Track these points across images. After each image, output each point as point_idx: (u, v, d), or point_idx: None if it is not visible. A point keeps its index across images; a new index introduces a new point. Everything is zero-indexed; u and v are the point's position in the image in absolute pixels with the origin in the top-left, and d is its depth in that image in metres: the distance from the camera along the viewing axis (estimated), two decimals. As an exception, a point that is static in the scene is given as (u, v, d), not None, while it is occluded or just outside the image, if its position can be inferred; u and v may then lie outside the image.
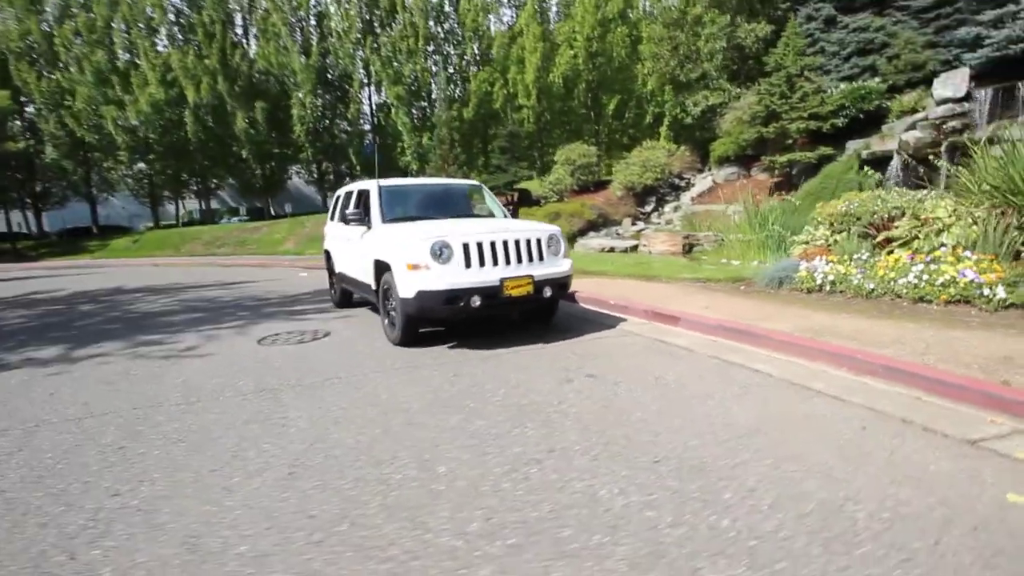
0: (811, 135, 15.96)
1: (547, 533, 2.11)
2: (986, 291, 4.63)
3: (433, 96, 21.76)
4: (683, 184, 21.49)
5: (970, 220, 5.59)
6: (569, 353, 4.80)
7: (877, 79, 16.76)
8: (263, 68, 25.79)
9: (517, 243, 5.11)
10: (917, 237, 5.83)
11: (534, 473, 2.62)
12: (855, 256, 6.05)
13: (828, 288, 5.87)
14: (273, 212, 28.70)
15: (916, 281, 5.13)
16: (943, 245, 5.54)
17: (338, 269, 7.39)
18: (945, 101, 13.81)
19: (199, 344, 5.85)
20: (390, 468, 2.72)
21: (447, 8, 25.32)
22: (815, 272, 6.01)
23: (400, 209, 6.09)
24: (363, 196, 6.52)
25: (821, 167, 15.83)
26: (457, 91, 22.51)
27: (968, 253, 5.17)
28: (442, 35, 25.24)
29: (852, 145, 15.44)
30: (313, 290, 10.24)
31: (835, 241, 6.77)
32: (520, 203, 21.88)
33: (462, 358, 4.75)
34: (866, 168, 14.31)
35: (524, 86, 24.24)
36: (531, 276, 5.04)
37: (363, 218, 5.96)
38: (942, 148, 12.37)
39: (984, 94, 12.73)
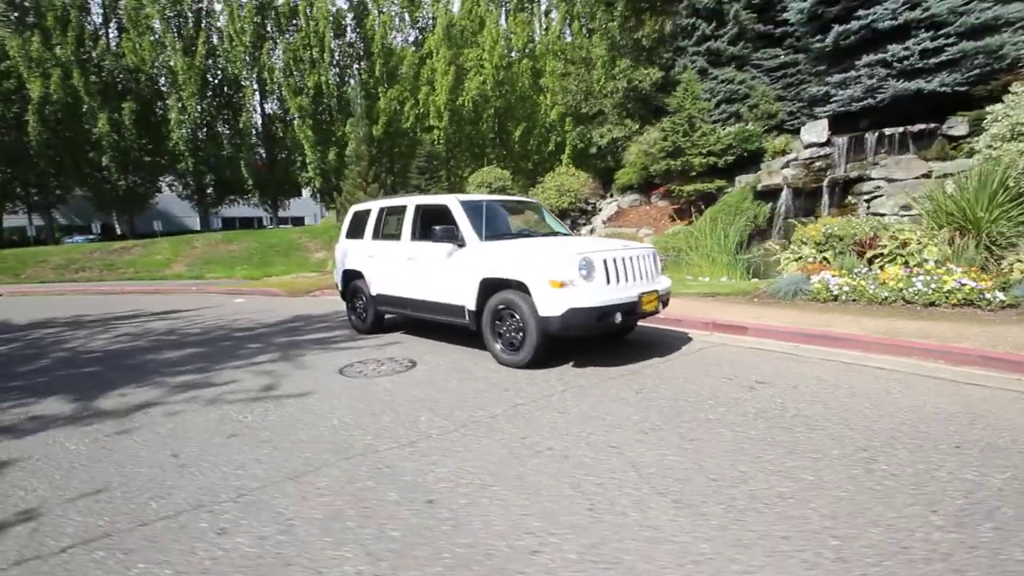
0: (708, 169, 18.20)
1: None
2: (987, 295, 5.82)
3: (352, 109, 20.55)
4: (590, 208, 22.98)
5: (937, 241, 6.97)
6: (693, 363, 4.97)
7: (742, 124, 19.68)
8: (133, 65, 22.03)
9: (642, 259, 5.20)
10: (900, 254, 7.09)
11: (880, 467, 2.76)
12: (855, 270, 7.15)
13: (844, 298, 6.83)
14: (132, 231, 24.39)
15: (925, 289, 6.24)
16: (926, 260, 6.82)
17: (378, 291, 6.71)
18: (811, 145, 16.68)
19: (275, 383, 4.92)
20: (766, 481, 2.64)
21: (349, 20, 24.22)
22: (829, 284, 6.96)
23: (484, 226, 5.78)
24: (433, 212, 6.08)
25: (716, 197, 18.14)
26: (363, 108, 21.55)
27: (953, 267, 6.44)
28: (348, 48, 24.02)
29: (742, 178, 17.93)
30: (292, 316, 9.09)
31: (824, 259, 7.91)
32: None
33: (606, 376, 4.65)
34: (757, 200, 16.73)
35: (436, 108, 24.03)
36: (657, 291, 5.17)
37: (453, 235, 5.55)
38: (824, 184, 14.98)
39: (841, 141, 15.63)
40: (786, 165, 17.07)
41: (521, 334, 4.97)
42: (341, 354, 6.01)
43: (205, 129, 23.65)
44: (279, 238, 21.19)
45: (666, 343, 5.88)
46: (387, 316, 7.22)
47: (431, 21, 26.45)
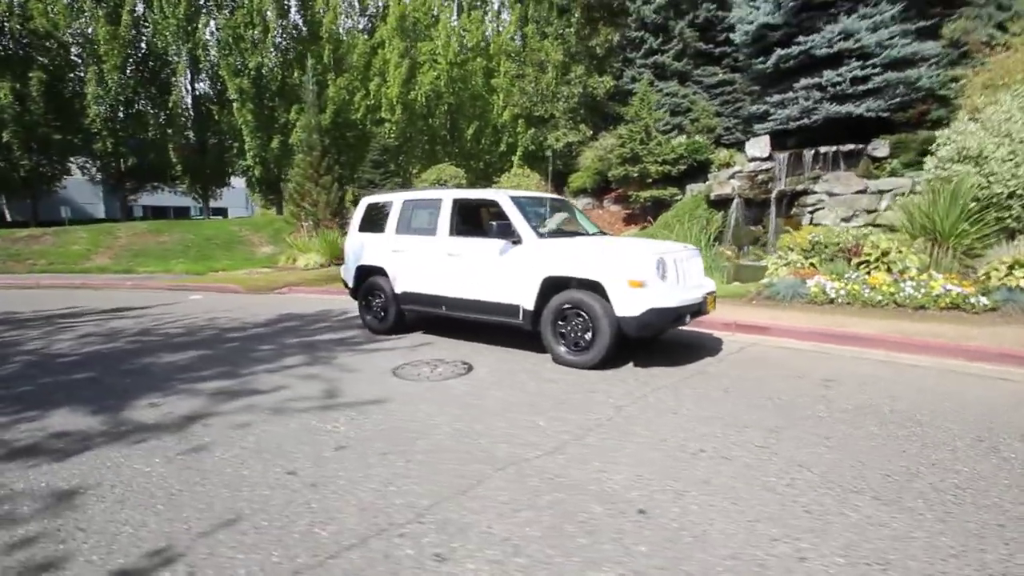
0: (663, 177, 18.97)
1: None
2: (972, 300, 6.49)
3: (302, 95, 19.17)
4: (540, 209, 23.17)
5: (915, 250, 7.70)
6: (748, 363, 5.09)
7: (685, 135, 20.70)
8: (44, 30, 19.08)
9: (695, 260, 5.27)
10: (884, 262, 7.75)
11: (1008, 454, 2.96)
12: (845, 275, 7.71)
13: (839, 300, 7.35)
14: (36, 218, 21.19)
15: (915, 293, 6.85)
16: (908, 267, 7.50)
17: (405, 288, 6.28)
18: (755, 159, 17.87)
19: (333, 389, 4.45)
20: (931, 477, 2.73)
21: (293, 1, 22.69)
22: (826, 288, 7.46)
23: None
24: (475, 208, 5.80)
25: (670, 204, 18.96)
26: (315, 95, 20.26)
27: (936, 273, 7.13)
28: (293, 31, 22.46)
29: (693, 187, 18.84)
30: (279, 315, 8.34)
31: (811, 264, 8.47)
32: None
33: (677, 376, 4.64)
34: (710, 208, 17.68)
35: (388, 100, 23.09)
36: (713, 292, 5.26)
37: (509, 231, 5.32)
38: (772, 196, 16.09)
39: (782, 156, 16.88)
40: (732, 177, 18.14)
41: (589, 334, 4.86)
42: (378, 356, 5.57)
43: (126, 107, 21.08)
44: (216, 230, 19.41)
45: (701, 343, 5.99)
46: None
47: (382, 8, 25.42)
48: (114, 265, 15.91)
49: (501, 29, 25.93)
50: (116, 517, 2.50)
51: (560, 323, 5.04)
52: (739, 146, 20.26)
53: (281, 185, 22.60)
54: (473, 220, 6.22)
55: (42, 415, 3.92)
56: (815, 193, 15.17)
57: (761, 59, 17.94)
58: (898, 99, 15.35)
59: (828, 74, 16.06)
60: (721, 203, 17.35)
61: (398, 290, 6.40)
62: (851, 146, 15.73)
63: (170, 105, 21.26)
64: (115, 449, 3.29)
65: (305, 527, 2.38)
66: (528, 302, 5.21)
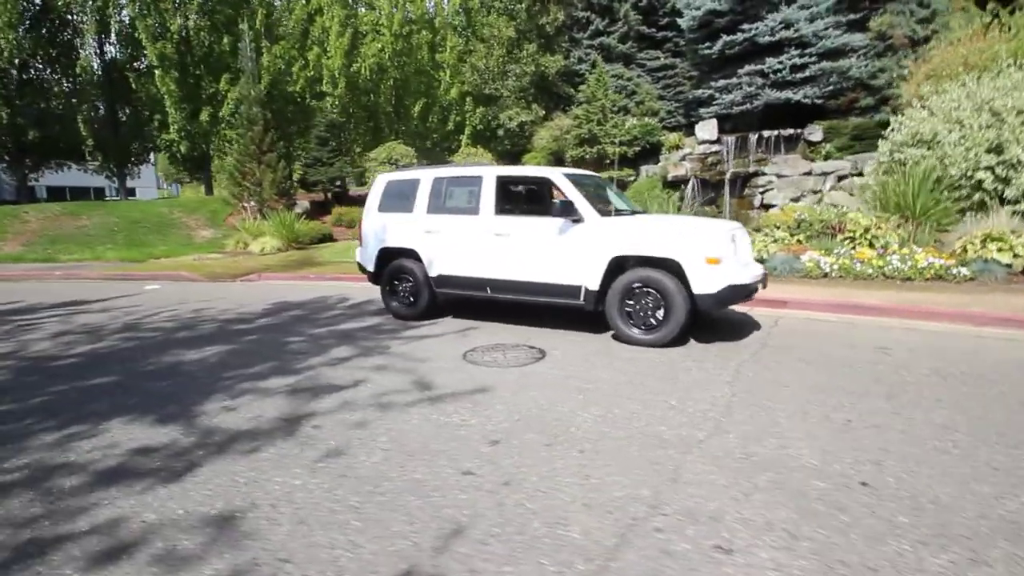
0: (620, 158, 19.32)
1: None
2: (953, 271, 7.20)
3: (241, 65, 17.34)
4: (495, 189, 22.90)
5: (891, 226, 8.40)
6: (795, 334, 5.31)
7: (631, 117, 21.18)
8: None
9: (748, 238, 5.39)
10: (867, 237, 8.39)
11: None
12: (835, 251, 8.27)
13: (833, 274, 7.88)
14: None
15: (901, 266, 7.49)
16: (890, 243, 8.17)
17: (442, 271, 5.93)
18: (704, 142, 18.64)
19: (421, 380, 4.12)
20: None
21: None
22: (820, 263, 7.97)
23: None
24: (520, 184, 5.55)
25: (626, 185, 19.39)
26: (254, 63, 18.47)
27: (917, 248, 7.82)
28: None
29: (647, 168, 19.35)
30: (273, 304, 7.63)
31: (798, 241, 9.00)
32: (337, 201, 19.67)
33: (743, 350, 4.73)
34: (667, 188, 18.29)
35: (330, 72, 21.53)
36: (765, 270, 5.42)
37: (571, 210, 5.14)
38: (727, 177, 16.89)
39: (729, 140, 17.74)
40: (684, 159, 18.82)
41: (661, 312, 4.86)
42: (431, 343, 5.25)
43: (20, 71, 17.99)
44: (143, 213, 17.36)
45: (732, 318, 6.13)
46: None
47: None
48: (29, 253, 13.79)
49: (446, 2, 24.94)
50: (314, 541, 2.16)
51: (628, 302, 4.99)
52: (680, 129, 20.96)
53: (213, 162, 20.58)
54: (516, 198, 5.97)
55: (95, 429, 3.32)
56: (765, 175, 16.11)
57: (707, 44, 18.52)
58: (831, 87, 16.48)
59: (770, 61, 16.90)
60: (675, 184, 17.97)
61: (433, 273, 6.04)
62: (790, 131, 16.77)
63: (76, 71, 18.50)
64: (231, 462, 2.84)
65: (559, 531, 2.17)
66: (592, 282, 5.11)
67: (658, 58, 22.37)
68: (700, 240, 4.73)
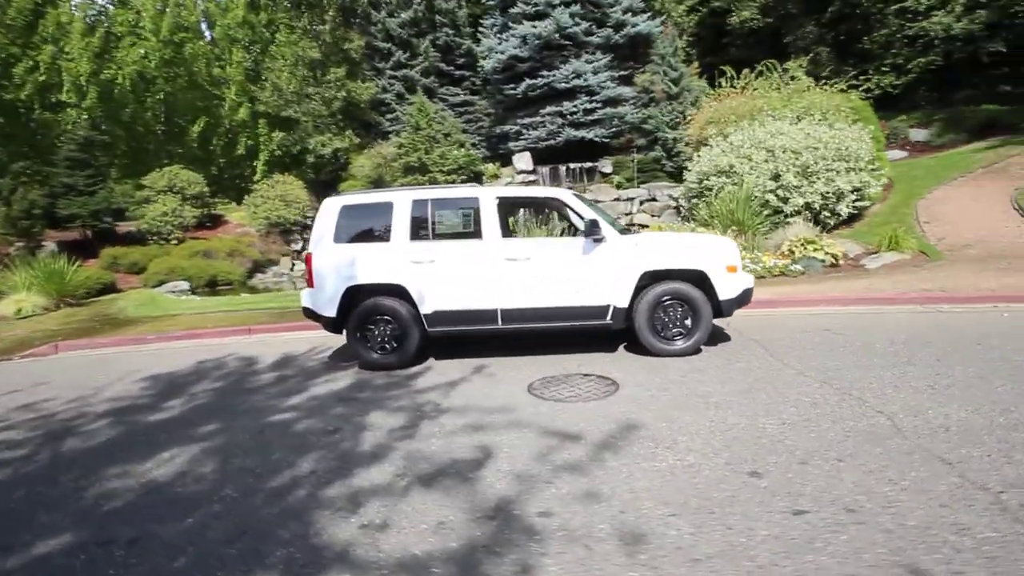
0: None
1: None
2: (791, 268, 9.22)
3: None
4: (310, 222, 20.67)
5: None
6: (762, 328, 6.13)
7: (454, 148, 21.77)
8: None
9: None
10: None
11: None
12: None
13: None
14: None
15: (754, 267, 9.31)
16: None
17: (439, 307, 5.05)
18: (523, 172, 20.14)
19: (542, 431, 3.41)
20: None
21: None
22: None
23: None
24: (526, 206, 5.12)
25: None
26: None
27: (759, 253, 9.80)
28: None
29: (474, 195, 19.93)
30: (144, 378, 5.41)
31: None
32: (103, 240, 15.16)
33: (751, 347, 5.27)
34: (496, 212, 19.02)
35: (73, 78, 16.36)
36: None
37: (596, 229, 4.96)
38: (552, 201, 18.39)
39: (544, 170, 19.58)
40: (507, 186, 19.99)
41: (689, 321, 5.08)
42: (467, 388, 4.42)
43: None
44: None
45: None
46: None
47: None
48: None
49: (226, 10, 21.56)
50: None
51: (659, 314, 5.07)
52: (488, 161, 22.16)
53: None
54: (520, 219, 5.52)
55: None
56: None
57: (512, 86, 20.09)
58: (614, 129, 19.54)
59: (567, 104, 19.23)
60: (507, 209, 18.91)
61: (427, 310, 5.13)
62: (589, 164, 19.31)
63: None
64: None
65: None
66: (622, 300, 5.05)
67: (458, 94, 23.24)
68: (721, 251, 5.14)
